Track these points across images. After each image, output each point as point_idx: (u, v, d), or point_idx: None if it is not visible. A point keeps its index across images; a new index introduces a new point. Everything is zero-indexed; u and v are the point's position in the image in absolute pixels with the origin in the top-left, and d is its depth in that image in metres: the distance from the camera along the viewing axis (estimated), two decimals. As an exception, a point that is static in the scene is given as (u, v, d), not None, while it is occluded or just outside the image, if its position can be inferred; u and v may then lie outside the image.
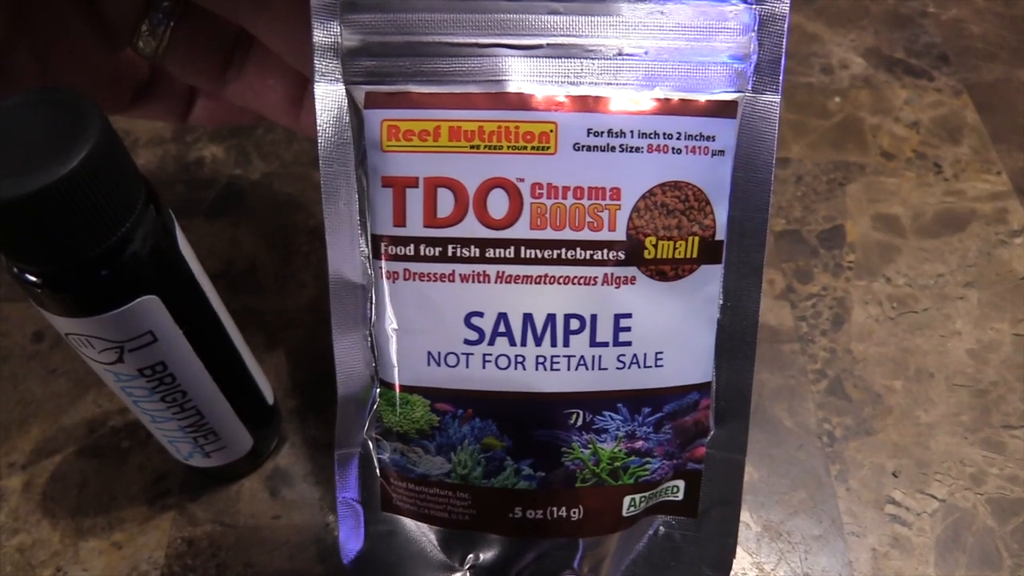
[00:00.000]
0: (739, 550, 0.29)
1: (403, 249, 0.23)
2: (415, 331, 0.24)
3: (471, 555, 0.26)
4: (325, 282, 0.36)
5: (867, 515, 0.30)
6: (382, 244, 0.24)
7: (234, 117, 0.30)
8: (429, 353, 0.24)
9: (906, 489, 0.30)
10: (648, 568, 0.26)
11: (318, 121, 0.23)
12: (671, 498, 0.26)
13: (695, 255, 0.24)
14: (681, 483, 0.26)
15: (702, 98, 0.23)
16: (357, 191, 0.24)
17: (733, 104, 0.23)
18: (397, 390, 0.24)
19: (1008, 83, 0.43)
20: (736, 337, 0.25)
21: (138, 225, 0.22)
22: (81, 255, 0.21)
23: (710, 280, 0.24)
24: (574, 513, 0.25)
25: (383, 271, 0.24)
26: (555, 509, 0.25)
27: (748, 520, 0.30)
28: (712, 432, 0.25)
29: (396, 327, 0.24)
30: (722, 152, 0.23)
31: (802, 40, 0.45)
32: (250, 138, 0.42)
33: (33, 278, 0.21)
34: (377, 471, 0.26)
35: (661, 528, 0.26)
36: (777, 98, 0.23)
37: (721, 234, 0.24)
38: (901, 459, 0.31)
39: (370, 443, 0.26)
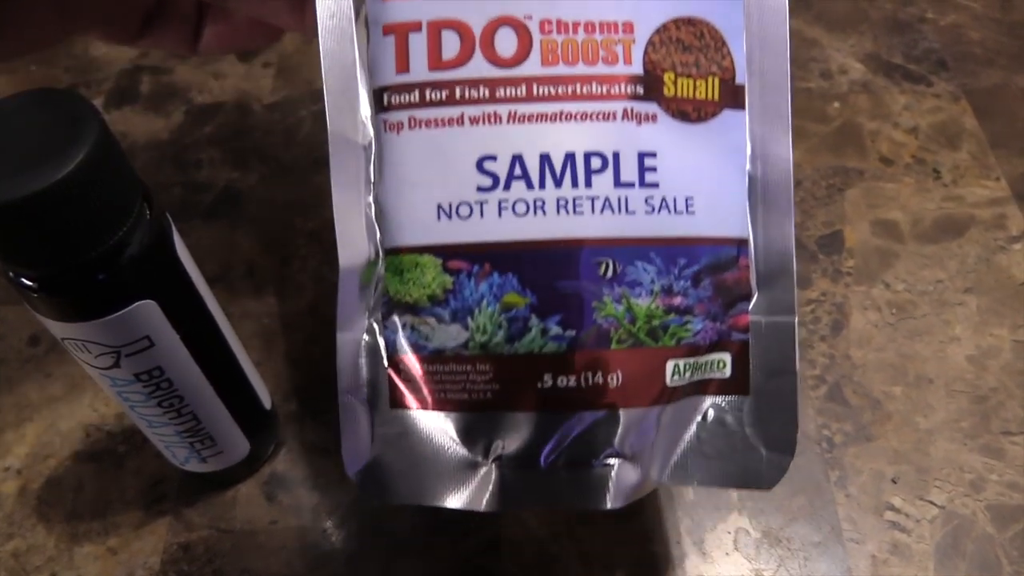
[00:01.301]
0: (738, 556, 0.29)
1: (407, 96, 0.22)
2: (423, 183, 0.23)
3: (496, 443, 0.23)
4: (324, 285, 0.36)
5: (866, 521, 0.29)
6: (385, 95, 0.23)
7: (243, 39, 0.30)
8: (439, 206, 0.22)
9: (906, 495, 0.30)
10: (700, 459, 0.24)
11: None
12: (717, 375, 0.24)
13: (716, 97, 0.23)
14: (727, 356, 0.24)
15: None
16: (357, 48, 0.23)
17: None
18: (405, 253, 0.23)
19: (1006, 89, 0.43)
20: (769, 189, 0.24)
21: (135, 229, 0.21)
22: (78, 259, 0.21)
23: (734, 126, 0.23)
24: (612, 379, 0.22)
25: (386, 124, 0.23)
26: (590, 374, 0.22)
27: (747, 526, 0.30)
28: (755, 297, 0.24)
29: (402, 182, 0.23)
30: None
31: (801, 45, 0.45)
32: (248, 141, 0.42)
33: (29, 282, 0.21)
34: (384, 360, 0.23)
35: (711, 412, 0.24)
36: None
37: (741, 77, 0.23)
38: (900, 465, 0.31)
39: (375, 326, 0.23)
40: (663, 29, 0.23)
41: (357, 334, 0.23)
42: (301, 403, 0.33)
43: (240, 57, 0.46)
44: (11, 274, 0.21)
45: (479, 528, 0.30)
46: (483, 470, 0.23)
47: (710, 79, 0.23)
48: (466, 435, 0.23)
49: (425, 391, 0.23)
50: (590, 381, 0.23)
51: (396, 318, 0.23)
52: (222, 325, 0.26)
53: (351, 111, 0.23)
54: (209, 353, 0.26)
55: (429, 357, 0.23)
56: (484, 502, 0.23)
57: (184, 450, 0.28)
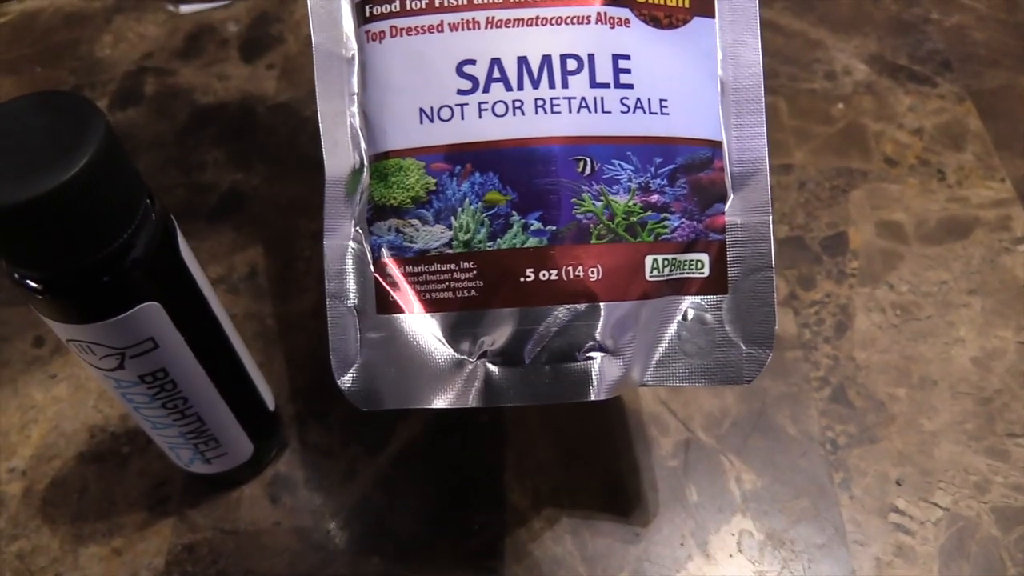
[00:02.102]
0: (742, 558, 0.29)
1: (388, 7, 0.23)
2: (405, 90, 0.24)
3: (481, 340, 0.24)
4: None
5: (871, 523, 0.29)
6: (367, 7, 0.24)
7: None
8: (421, 110, 0.23)
9: (910, 497, 0.30)
10: (681, 357, 0.24)
11: None
12: (696, 274, 0.25)
13: (687, 4, 0.24)
14: (705, 257, 0.25)
15: None
16: None
17: None
18: (389, 158, 0.24)
19: (1011, 90, 0.43)
20: (741, 93, 0.25)
21: (140, 231, 0.22)
22: (82, 261, 0.21)
23: (705, 33, 0.24)
24: (592, 272, 0.23)
25: (369, 34, 0.24)
26: (571, 268, 0.23)
27: (751, 528, 0.30)
28: (731, 198, 0.25)
29: (385, 89, 0.24)
30: None
31: (805, 46, 0.45)
32: (252, 142, 0.42)
33: (34, 284, 0.21)
34: (371, 264, 0.24)
35: (690, 311, 0.25)
36: None
37: None
38: (905, 467, 0.31)
39: (361, 233, 0.24)
40: None
41: (343, 241, 0.24)
42: (305, 404, 0.33)
43: (244, 58, 0.47)
44: (16, 276, 0.21)
45: (482, 529, 0.30)
46: (469, 368, 0.24)
47: None
48: (452, 334, 0.24)
49: (411, 293, 0.24)
50: (571, 275, 0.23)
51: (381, 223, 0.24)
52: (226, 327, 0.27)
53: (334, 25, 0.24)
54: (213, 355, 0.26)
55: (414, 259, 0.24)
56: (471, 399, 0.24)
57: (188, 451, 0.28)
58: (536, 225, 0.23)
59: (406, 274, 0.24)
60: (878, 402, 0.32)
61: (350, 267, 0.24)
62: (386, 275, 0.24)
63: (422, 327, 0.24)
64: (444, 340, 0.24)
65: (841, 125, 0.42)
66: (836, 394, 0.33)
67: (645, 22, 0.24)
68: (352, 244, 0.24)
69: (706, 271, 0.25)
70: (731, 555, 0.29)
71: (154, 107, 0.44)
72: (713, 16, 0.25)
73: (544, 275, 0.23)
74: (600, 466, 0.31)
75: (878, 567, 0.28)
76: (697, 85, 0.24)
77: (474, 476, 0.31)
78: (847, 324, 0.35)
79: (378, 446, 0.32)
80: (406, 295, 0.24)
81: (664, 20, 0.24)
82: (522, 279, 0.23)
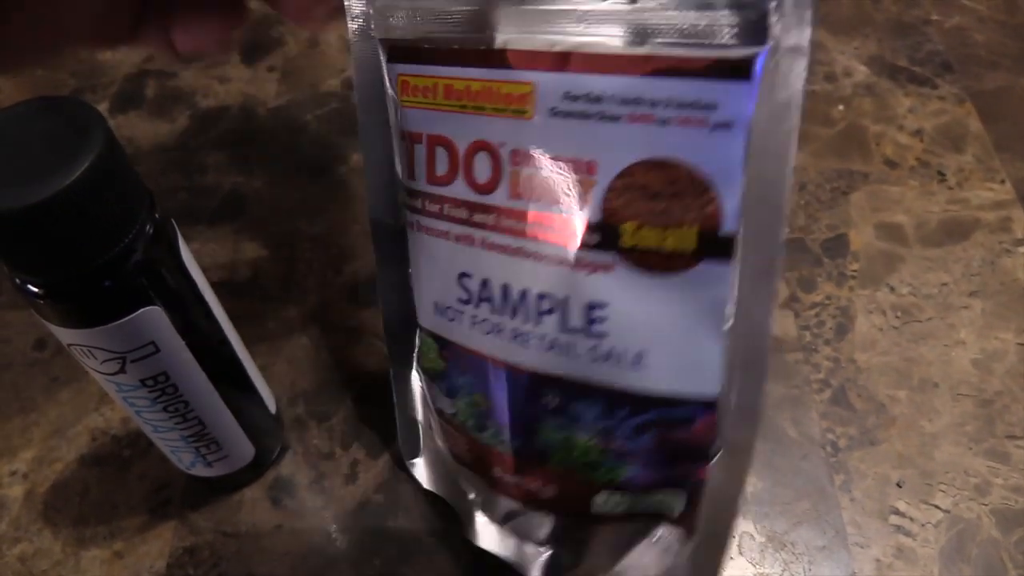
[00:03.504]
0: (743, 560, 0.29)
1: (414, 201, 0.24)
2: (426, 280, 0.25)
3: (471, 494, 0.28)
4: (328, 289, 0.36)
5: (871, 525, 0.29)
6: (407, 193, 0.25)
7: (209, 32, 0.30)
8: (435, 303, 0.25)
9: (910, 499, 0.30)
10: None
11: (353, 71, 0.25)
12: (664, 510, 0.24)
13: (692, 248, 0.20)
14: (674, 499, 0.24)
15: (703, 55, 0.19)
16: (391, 141, 0.25)
17: (745, 63, 0.19)
18: (423, 330, 0.26)
19: (1011, 91, 0.43)
20: (749, 351, 0.21)
21: (141, 235, 0.22)
22: (84, 266, 0.21)
23: (714, 281, 0.20)
24: (546, 490, 0.25)
25: (407, 220, 0.25)
26: (528, 480, 0.25)
27: (752, 530, 0.30)
28: (719, 454, 0.22)
29: (418, 271, 0.25)
30: (727, 125, 0.19)
31: (805, 48, 0.45)
32: (253, 145, 0.42)
33: (35, 289, 0.21)
34: (429, 402, 0.28)
35: (649, 541, 0.25)
36: (803, 61, 0.18)
37: (730, 226, 0.20)
38: (905, 469, 0.31)
39: (420, 374, 0.28)
40: (627, 173, 0.20)
41: (407, 369, 0.29)
42: (306, 407, 0.33)
43: (245, 61, 0.47)
44: (18, 281, 0.21)
45: (483, 532, 0.30)
46: (466, 501, 0.29)
47: (685, 228, 0.20)
48: (458, 476, 0.28)
49: (440, 433, 0.28)
50: (528, 486, 0.25)
51: (423, 372, 0.27)
52: (227, 330, 0.27)
53: (386, 195, 0.26)
54: (214, 358, 0.26)
55: (437, 411, 0.27)
56: (463, 529, 0.29)
57: (189, 455, 0.28)
58: (505, 435, 0.24)
59: (437, 421, 0.28)
60: (879, 404, 0.32)
61: (418, 397, 0.29)
62: (431, 412, 0.28)
63: (447, 458, 0.29)
64: (453, 478, 0.29)
65: (841, 127, 0.42)
66: (837, 396, 0.33)
67: (632, 267, 0.21)
68: (416, 378, 0.29)
69: (674, 512, 0.24)
70: (732, 557, 0.29)
71: (155, 110, 0.45)
72: (728, 261, 0.20)
73: (508, 478, 0.25)
74: (601, 468, 0.31)
75: (879, 569, 0.29)
76: (693, 340, 0.21)
77: (475, 479, 0.31)
78: (848, 326, 0.35)
79: (379, 448, 0.32)
80: (438, 433, 0.28)
81: (657, 266, 0.21)
82: (493, 472, 0.26)
